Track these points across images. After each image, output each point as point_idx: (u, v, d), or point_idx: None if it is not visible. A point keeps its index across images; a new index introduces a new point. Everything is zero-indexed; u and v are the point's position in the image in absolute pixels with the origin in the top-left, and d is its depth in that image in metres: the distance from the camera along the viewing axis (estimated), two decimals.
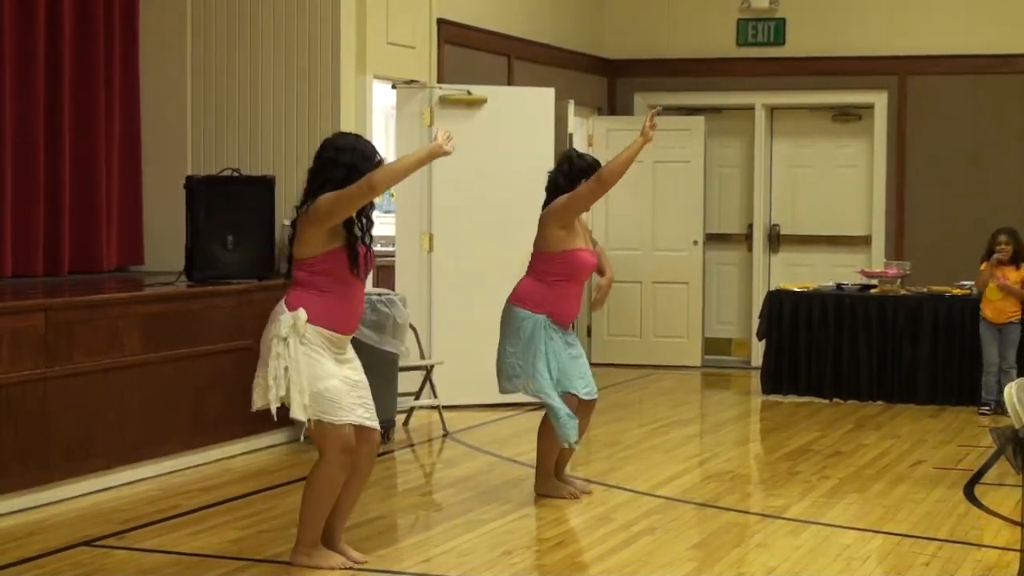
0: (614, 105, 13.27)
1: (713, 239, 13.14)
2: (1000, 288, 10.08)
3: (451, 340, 9.82)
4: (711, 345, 13.18)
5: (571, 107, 11.23)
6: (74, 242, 8.81)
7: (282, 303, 5.59)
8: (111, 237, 9.11)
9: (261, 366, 5.59)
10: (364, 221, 5.65)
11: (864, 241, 12.80)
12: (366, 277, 5.72)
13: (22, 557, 5.86)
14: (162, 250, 9.29)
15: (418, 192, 9.95)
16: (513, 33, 11.38)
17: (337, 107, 9.14)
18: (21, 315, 6.73)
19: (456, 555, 6.03)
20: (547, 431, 7.09)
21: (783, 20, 12.81)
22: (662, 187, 12.78)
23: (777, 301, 11.02)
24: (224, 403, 7.98)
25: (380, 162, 5.63)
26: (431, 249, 10.00)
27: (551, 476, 7.18)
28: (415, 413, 9.48)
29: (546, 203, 7.08)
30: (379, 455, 7.40)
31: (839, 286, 11.22)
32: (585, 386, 7.11)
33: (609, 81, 13.26)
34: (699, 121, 12.90)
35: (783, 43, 12.83)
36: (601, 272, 7.39)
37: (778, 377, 10.93)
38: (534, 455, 7.34)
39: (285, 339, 5.50)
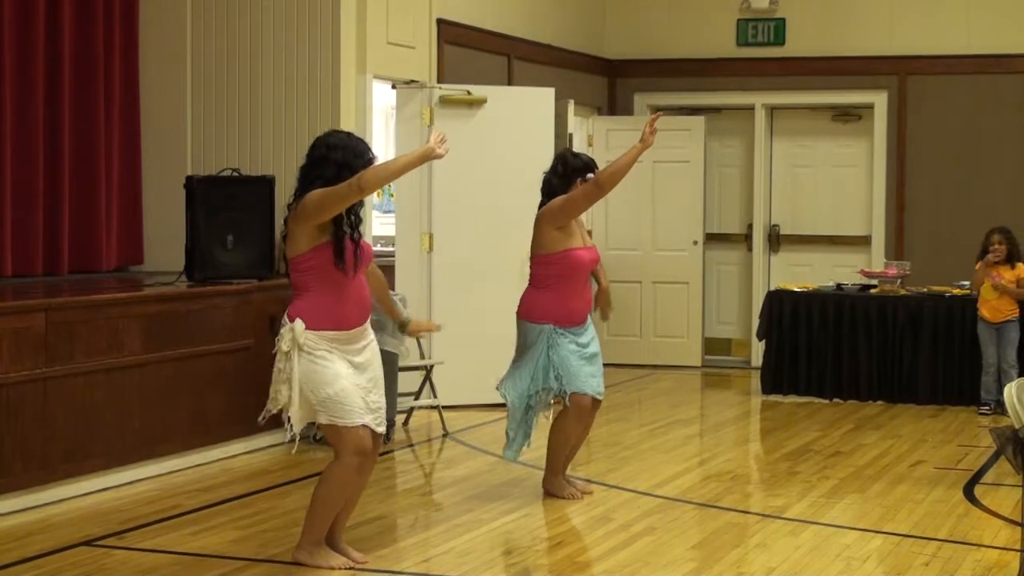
0: (614, 105, 13.27)
1: (713, 239, 13.14)
2: (995, 288, 10.07)
3: (451, 340, 9.81)
4: (711, 345, 13.18)
5: (571, 107, 11.23)
6: (74, 242, 8.81)
7: (285, 315, 5.61)
8: (111, 237, 9.11)
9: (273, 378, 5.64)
10: (353, 218, 5.65)
11: (864, 241, 12.80)
12: (358, 272, 5.70)
13: (22, 557, 5.86)
14: (162, 250, 9.29)
15: (418, 192, 9.96)
16: (513, 33, 11.38)
17: (337, 107, 9.14)
18: (21, 315, 6.73)
19: (456, 555, 6.03)
20: (558, 427, 7.08)
21: (783, 20, 12.82)
22: (662, 187, 12.78)
23: (777, 301, 11.02)
24: (224, 403, 7.99)
25: (371, 160, 5.63)
26: (431, 249, 10.00)
27: (560, 473, 7.17)
28: (415, 413, 9.49)
29: (541, 205, 7.07)
30: (379, 455, 7.42)
31: (839, 286, 11.22)
32: (598, 385, 7.10)
33: (609, 81, 13.26)
34: (699, 121, 12.90)
35: (783, 43, 12.83)
36: (596, 280, 7.38)
37: (778, 377, 10.93)
38: (534, 455, 7.34)
39: (287, 353, 5.51)
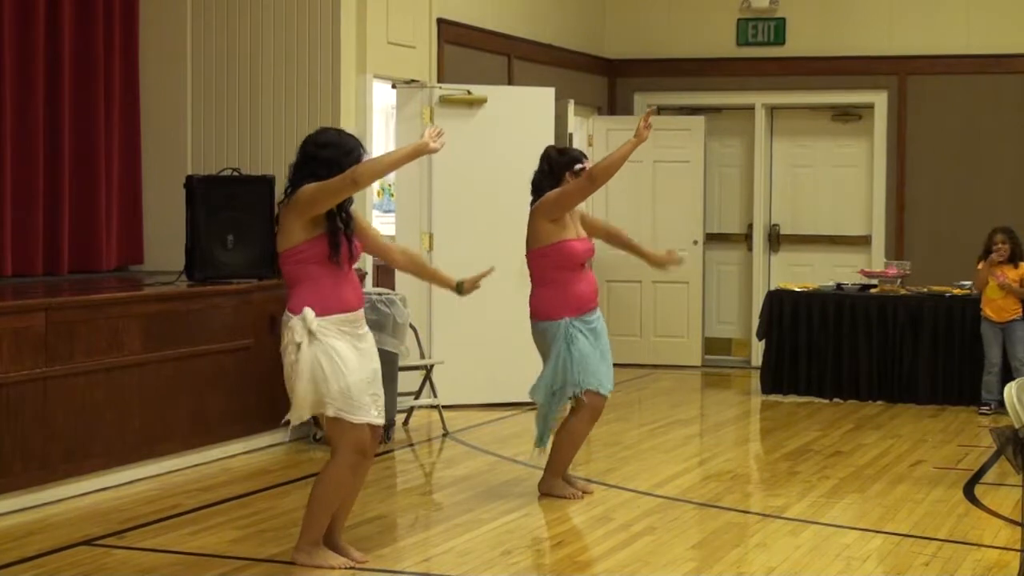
0: (614, 105, 13.27)
1: (713, 239, 13.14)
2: (1000, 287, 10.07)
3: (451, 340, 9.82)
4: (711, 345, 13.18)
5: (571, 107, 11.23)
6: (74, 241, 8.81)
7: (287, 312, 5.59)
8: (111, 237, 9.11)
9: (287, 380, 5.59)
10: (344, 215, 5.65)
11: (864, 241, 12.80)
12: (351, 266, 5.70)
13: (22, 557, 5.86)
14: (162, 250, 9.29)
15: (418, 192, 9.96)
16: (513, 33, 11.38)
17: (337, 107, 9.14)
18: (21, 315, 6.73)
19: (456, 555, 6.03)
20: (568, 428, 7.09)
21: (783, 20, 12.81)
22: (662, 187, 12.78)
23: (777, 301, 11.02)
24: (224, 403, 7.99)
25: (361, 156, 5.64)
26: (431, 248, 10.00)
27: (559, 475, 7.16)
28: (415, 413, 9.48)
29: (532, 204, 7.10)
30: (379, 455, 7.43)
31: (839, 286, 11.22)
32: (609, 381, 7.11)
33: (609, 81, 13.26)
34: (699, 121, 12.90)
35: (783, 43, 12.83)
36: (645, 255, 7.54)
37: (778, 377, 10.93)
38: (534, 455, 7.34)
39: (299, 345, 5.48)
